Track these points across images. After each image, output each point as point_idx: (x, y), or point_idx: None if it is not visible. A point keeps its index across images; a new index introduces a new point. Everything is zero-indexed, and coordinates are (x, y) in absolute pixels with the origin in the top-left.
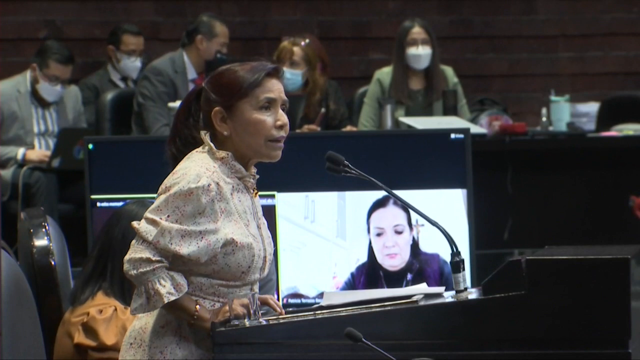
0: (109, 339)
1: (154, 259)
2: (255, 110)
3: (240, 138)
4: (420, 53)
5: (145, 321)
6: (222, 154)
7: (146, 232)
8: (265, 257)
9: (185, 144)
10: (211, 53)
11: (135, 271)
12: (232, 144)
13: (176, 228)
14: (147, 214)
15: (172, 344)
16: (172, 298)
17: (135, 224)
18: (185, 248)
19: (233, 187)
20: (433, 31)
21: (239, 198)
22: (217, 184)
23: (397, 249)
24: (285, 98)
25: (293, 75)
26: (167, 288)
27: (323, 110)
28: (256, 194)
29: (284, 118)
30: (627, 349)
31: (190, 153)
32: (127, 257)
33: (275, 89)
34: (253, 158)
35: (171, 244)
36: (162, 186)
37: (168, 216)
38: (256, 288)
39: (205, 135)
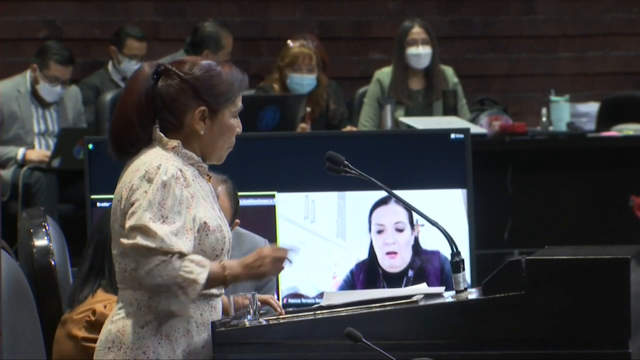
0: None
1: (166, 258)
2: (232, 118)
3: (213, 140)
4: (421, 53)
5: (122, 324)
6: (173, 143)
7: (145, 241)
8: (229, 239)
9: (139, 137)
10: None
11: (160, 278)
12: (199, 143)
13: (167, 230)
14: (133, 224)
15: (154, 343)
16: (205, 274)
17: (126, 241)
18: (183, 244)
19: (191, 173)
20: (433, 31)
21: (199, 183)
22: (181, 170)
23: (397, 247)
24: None
25: (311, 80)
26: (195, 270)
27: (308, 109)
28: (209, 179)
29: (241, 127)
30: (627, 349)
31: (140, 152)
32: (141, 273)
33: (241, 98)
34: (208, 158)
35: (173, 245)
36: (128, 187)
37: (152, 217)
38: None
39: (156, 129)
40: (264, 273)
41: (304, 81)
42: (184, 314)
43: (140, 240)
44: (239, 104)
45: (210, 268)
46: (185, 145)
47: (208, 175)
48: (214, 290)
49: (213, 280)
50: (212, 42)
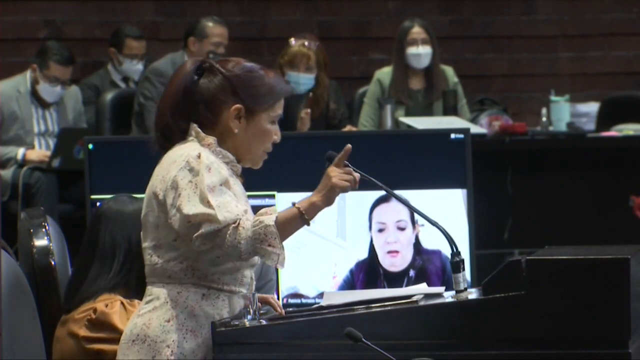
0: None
1: (235, 224)
2: (269, 123)
3: (247, 141)
4: (421, 52)
5: (148, 317)
6: (209, 139)
7: (210, 227)
8: None
9: (171, 130)
10: (203, 54)
11: (241, 245)
12: (233, 142)
13: (223, 206)
14: (192, 219)
15: (179, 337)
16: (273, 217)
17: (194, 239)
18: (239, 210)
19: (226, 170)
20: (433, 31)
21: (234, 182)
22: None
23: (398, 246)
24: None
25: (309, 80)
26: (263, 219)
27: (308, 110)
28: (242, 180)
29: (279, 134)
30: (627, 349)
31: (175, 145)
32: (228, 251)
33: (282, 105)
34: (241, 160)
35: (235, 215)
36: (167, 179)
37: (205, 202)
38: (253, 274)
39: (193, 125)
40: (334, 188)
41: (300, 79)
42: (284, 264)
43: (205, 228)
44: (279, 111)
45: (279, 212)
46: (219, 143)
47: (241, 176)
48: (242, 289)
49: (289, 220)
50: (197, 29)
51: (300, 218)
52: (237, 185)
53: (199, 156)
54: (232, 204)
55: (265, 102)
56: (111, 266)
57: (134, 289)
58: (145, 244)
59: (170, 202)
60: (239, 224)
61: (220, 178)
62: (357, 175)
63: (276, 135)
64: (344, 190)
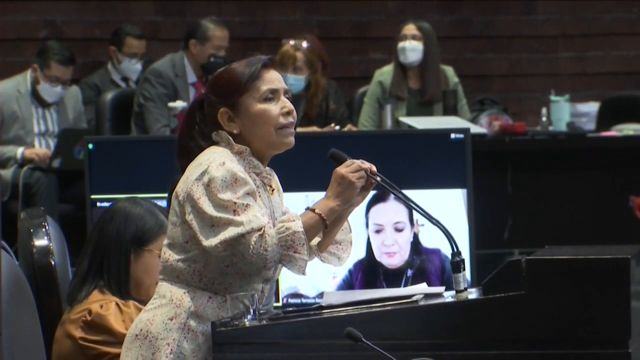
0: (123, 328)
1: (260, 232)
2: (259, 103)
3: (251, 132)
4: (406, 46)
5: (152, 314)
6: (240, 147)
7: (235, 231)
8: None
9: (192, 156)
10: (204, 57)
11: (267, 252)
12: (244, 141)
13: (248, 211)
14: (215, 222)
15: (180, 336)
16: (299, 222)
17: (215, 241)
18: (265, 218)
19: (254, 182)
20: (432, 31)
21: (259, 194)
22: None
23: (396, 248)
24: (287, 87)
25: (296, 81)
26: (289, 225)
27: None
28: (273, 191)
29: (288, 104)
30: (627, 349)
31: (210, 147)
32: (252, 259)
33: (274, 78)
34: (268, 151)
35: (260, 221)
36: (190, 181)
37: (229, 208)
38: (266, 289)
39: (218, 134)
40: (354, 189)
41: (287, 80)
42: (306, 272)
43: (229, 232)
44: (262, 87)
45: (301, 217)
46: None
47: (272, 187)
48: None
49: (312, 226)
50: (198, 31)
51: (322, 224)
52: (264, 198)
53: (222, 164)
54: (258, 212)
55: (235, 91)
56: (101, 263)
57: (126, 289)
58: (164, 241)
59: (191, 204)
60: (264, 231)
61: (245, 183)
62: (368, 166)
63: (284, 107)
64: (363, 189)
